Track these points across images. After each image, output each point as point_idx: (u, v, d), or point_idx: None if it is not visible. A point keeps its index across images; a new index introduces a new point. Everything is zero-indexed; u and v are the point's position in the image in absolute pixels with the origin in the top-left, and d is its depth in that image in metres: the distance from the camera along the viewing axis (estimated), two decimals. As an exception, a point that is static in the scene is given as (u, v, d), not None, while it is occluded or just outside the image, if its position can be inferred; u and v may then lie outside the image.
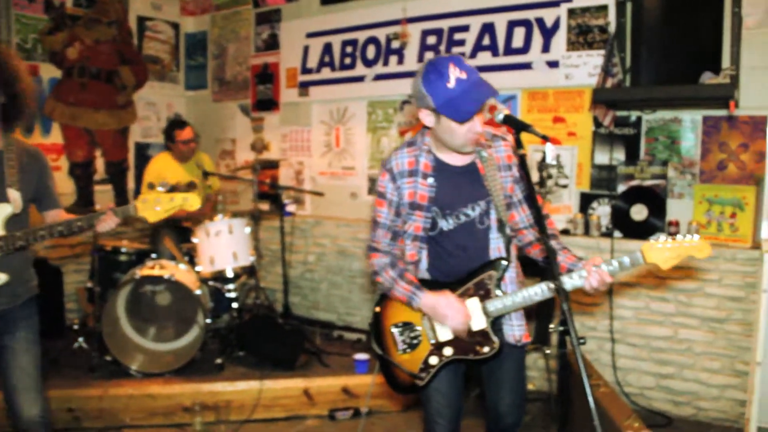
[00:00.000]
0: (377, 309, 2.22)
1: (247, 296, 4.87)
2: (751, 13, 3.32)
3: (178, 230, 4.37)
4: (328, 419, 3.58)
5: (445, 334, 2.10)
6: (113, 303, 3.79)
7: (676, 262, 1.89)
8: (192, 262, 4.17)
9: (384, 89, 4.71)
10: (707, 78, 3.24)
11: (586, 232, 3.83)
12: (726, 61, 3.29)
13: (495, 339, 2.03)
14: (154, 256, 4.04)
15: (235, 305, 4.17)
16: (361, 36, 4.78)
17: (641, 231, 3.60)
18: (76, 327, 4.39)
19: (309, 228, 5.10)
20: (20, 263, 2.30)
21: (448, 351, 2.08)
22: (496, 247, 2.09)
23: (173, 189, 2.38)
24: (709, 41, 3.34)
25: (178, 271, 3.81)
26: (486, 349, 2.04)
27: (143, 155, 5.58)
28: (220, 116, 5.83)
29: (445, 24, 4.38)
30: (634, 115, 3.76)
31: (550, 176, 3.93)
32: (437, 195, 2.05)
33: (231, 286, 4.18)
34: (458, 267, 2.09)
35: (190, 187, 4.47)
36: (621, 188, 3.79)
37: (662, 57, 3.35)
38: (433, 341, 2.10)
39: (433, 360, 2.10)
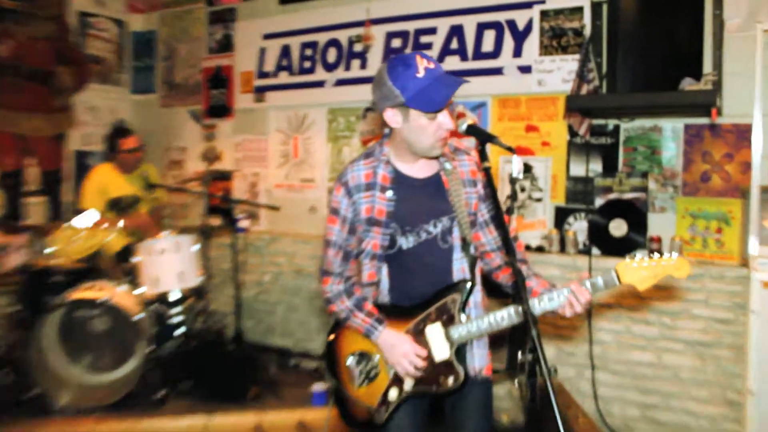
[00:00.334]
0: (331, 337, 2.14)
1: (195, 321, 4.60)
2: (733, 15, 3.24)
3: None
4: (282, 459, 3.41)
5: None
6: (41, 329, 3.58)
7: (654, 282, 1.81)
8: (133, 284, 3.94)
9: (346, 95, 4.57)
10: (688, 84, 3.16)
11: (562, 249, 3.70)
12: (707, 66, 3.23)
13: (460, 369, 1.90)
14: (90, 276, 3.81)
15: (180, 331, 4.00)
16: (322, 38, 4.66)
17: (621, 248, 3.47)
18: (-1, 357, 4.14)
19: (264, 245, 4.94)
20: None
21: (408, 384, 1.96)
22: (459, 267, 1.98)
23: (115, 204, 2.12)
24: (690, 45, 3.27)
25: (117, 293, 3.64)
26: (450, 381, 1.91)
27: (83, 165, 5.28)
28: (168, 123, 5.60)
29: (411, 26, 4.27)
30: (611, 123, 3.66)
31: (523, 189, 3.75)
32: (396, 210, 1.95)
33: (177, 310, 4.02)
34: (420, 288, 1.98)
35: (134, 201, 4.27)
36: (598, 202, 3.67)
37: (640, 62, 3.26)
38: (392, 372, 1.99)
39: (393, 394, 1.98)
